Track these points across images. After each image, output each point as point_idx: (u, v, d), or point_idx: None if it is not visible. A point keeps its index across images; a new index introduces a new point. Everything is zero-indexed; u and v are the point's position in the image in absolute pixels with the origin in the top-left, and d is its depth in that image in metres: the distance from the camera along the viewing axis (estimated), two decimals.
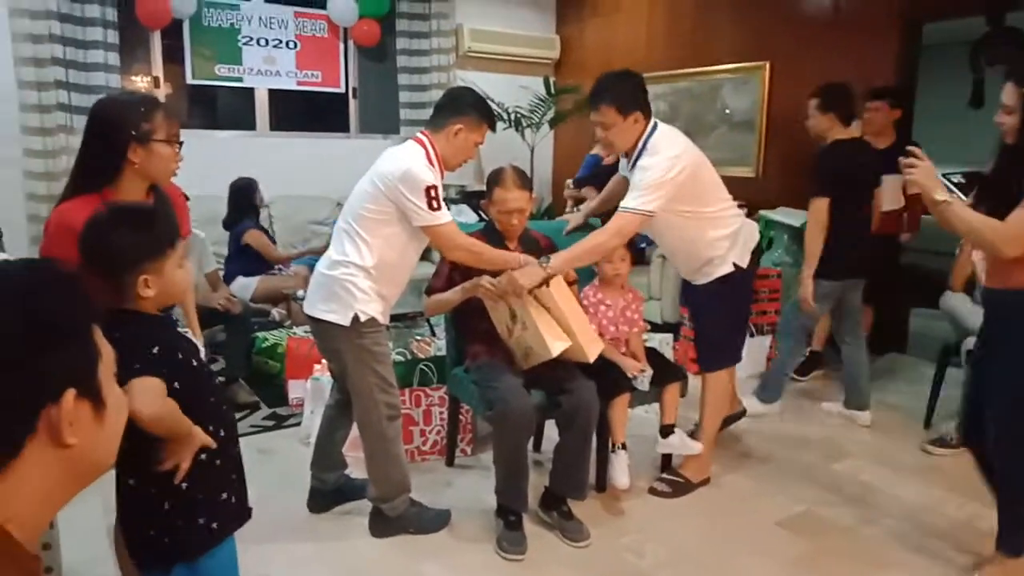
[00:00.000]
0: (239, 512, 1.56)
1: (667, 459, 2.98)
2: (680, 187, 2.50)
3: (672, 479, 2.86)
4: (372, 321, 2.32)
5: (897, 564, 2.39)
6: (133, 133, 1.77)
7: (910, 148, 2.08)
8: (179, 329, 1.56)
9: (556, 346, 2.42)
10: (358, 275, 2.29)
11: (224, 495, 1.52)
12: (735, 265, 2.71)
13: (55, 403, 0.67)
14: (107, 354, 0.75)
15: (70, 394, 0.67)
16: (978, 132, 7.41)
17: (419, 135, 2.36)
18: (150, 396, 1.33)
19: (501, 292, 2.43)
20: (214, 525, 1.48)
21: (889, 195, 3.97)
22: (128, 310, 1.44)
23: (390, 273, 2.35)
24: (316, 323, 2.39)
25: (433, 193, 2.22)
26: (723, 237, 2.69)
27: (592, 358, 2.48)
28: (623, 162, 2.78)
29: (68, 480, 0.71)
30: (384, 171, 2.27)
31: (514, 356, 2.60)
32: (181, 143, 1.90)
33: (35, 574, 0.70)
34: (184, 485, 1.42)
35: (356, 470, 2.74)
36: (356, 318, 2.29)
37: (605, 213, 3.84)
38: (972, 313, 3.30)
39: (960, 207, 2.03)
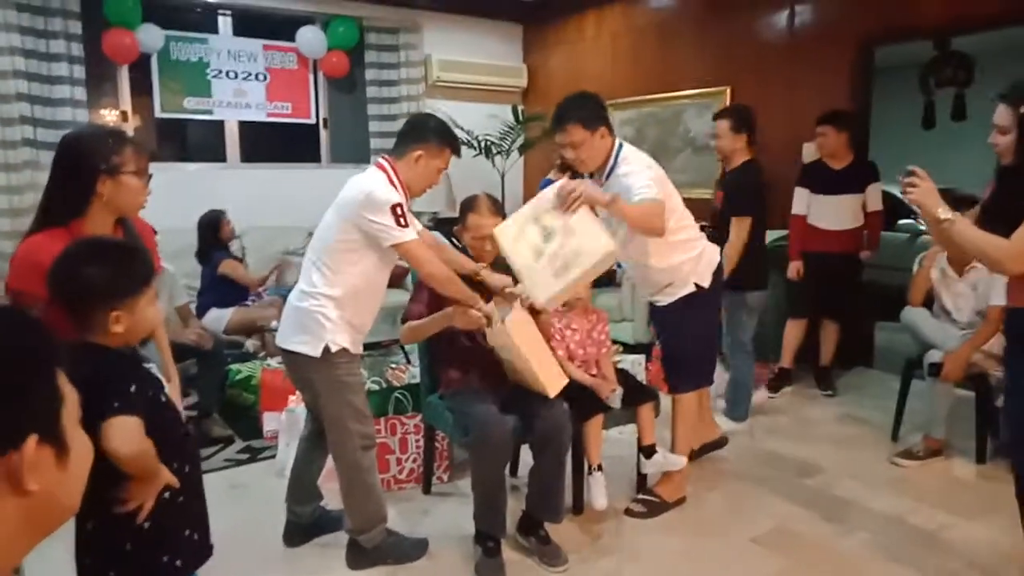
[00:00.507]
0: (202, 549, 1.55)
1: (643, 479, 3.01)
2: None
3: (647, 499, 2.86)
4: (344, 351, 2.32)
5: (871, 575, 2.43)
6: (103, 166, 1.77)
7: (911, 168, 2.03)
8: (144, 365, 1.54)
9: (553, 389, 2.48)
10: (327, 305, 2.29)
11: (187, 532, 1.50)
12: (696, 285, 2.73)
13: (16, 450, 0.64)
14: (71, 398, 0.73)
15: (31, 440, 0.65)
16: (934, 150, 7.70)
17: (380, 161, 2.37)
18: (129, 435, 1.32)
19: (477, 326, 2.45)
20: (178, 563, 1.46)
21: (850, 213, 4.09)
22: (95, 345, 1.41)
23: (359, 301, 2.35)
24: (288, 355, 2.39)
25: (400, 211, 2.20)
26: (685, 261, 2.72)
27: (552, 394, 2.49)
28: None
29: (31, 527, 0.69)
30: (346, 199, 2.28)
31: (490, 374, 2.62)
32: (150, 176, 1.90)
33: None
34: (146, 524, 1.41)
35: (332, 502, 2.73)
36: (327, 349, 2.29)
37: None
38: (932, 327, 3.40)
39: (964, 225, 1.97)
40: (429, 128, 2.37)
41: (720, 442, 3.36)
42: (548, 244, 2.37)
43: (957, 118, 5.08)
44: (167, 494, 1.43)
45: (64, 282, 1.41)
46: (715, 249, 2.87)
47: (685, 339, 2.82)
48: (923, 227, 6.05)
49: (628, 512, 2.83)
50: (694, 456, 3.11)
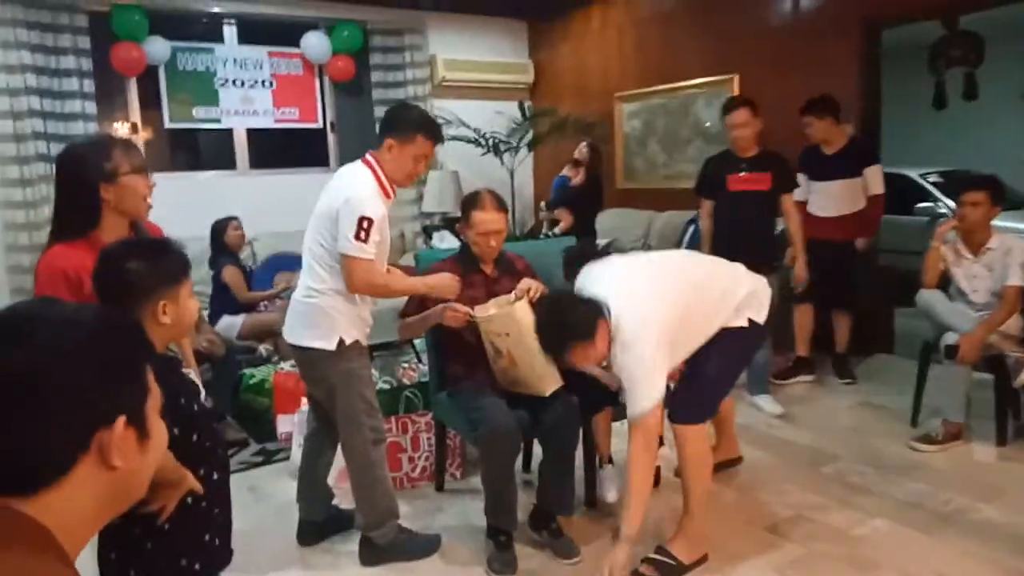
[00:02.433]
0: (222, 554, 1.56)
1: (656, 471, 2.99)
2: None
3: (661, 560, 2.36)
4: (356, 344, 2.37)
5: (888, 563, 2.39)
6: (100, 175, 1.80)
7: None
8: (182, 370, 1.56)
9: (550, 386, 2.46)
10: (337, 300, 2.33)
11: (207, 536, 1.52)
12: (749, 320, 2.40)
13: (108, 427, 0.74)
14: (155, 393, 0.83)
15: (121, 420, 0.75)
16: (946, 131, 7.59)
17: (367, 156, 2.40)
18: None
19: (460, 322, 2.48)
20: (196, 566, 1.47)
21: (846, 198, 4.04)
22: None
23: (364, 295, 2.39)
24: (301, 351, 2.42)
25: (366, 225, 2.21)
26: (726, 314, 2.38)
27: (547, 393, 2.46)
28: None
29: (108, 502, 0.77)
30: (333, 197, 2.30)
31: (496, 377, 2.61)
32: (148, 171, 1.94)
33: (71, 565, 0.73)
34: (167, 526, 1.42)
35: (344, 502, 2.75)
36: (342, 342, 2.33)
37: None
38: (947, 309, 3.35)
39: None
40: (396, 117, 2.39)
41: (737, 460, 3.15)
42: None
43: (969, 97, 5.00)
44: (190, 499, 1.44)
45: (110, 280, 1.46)
46: (764, 284, 2.51)
47: (718, 367, 2.41)
48: (943, 210, 5.96)
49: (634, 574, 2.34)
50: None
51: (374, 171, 2.34)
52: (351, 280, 2.28)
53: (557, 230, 5.27)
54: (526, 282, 2.58)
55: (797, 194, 4.06)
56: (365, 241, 2.22)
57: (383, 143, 2.35)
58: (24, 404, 0.70)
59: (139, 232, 1.94)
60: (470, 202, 2.65)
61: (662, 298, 2.22)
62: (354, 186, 2.28)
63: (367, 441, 2.40)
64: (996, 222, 3.33)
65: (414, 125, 2.35)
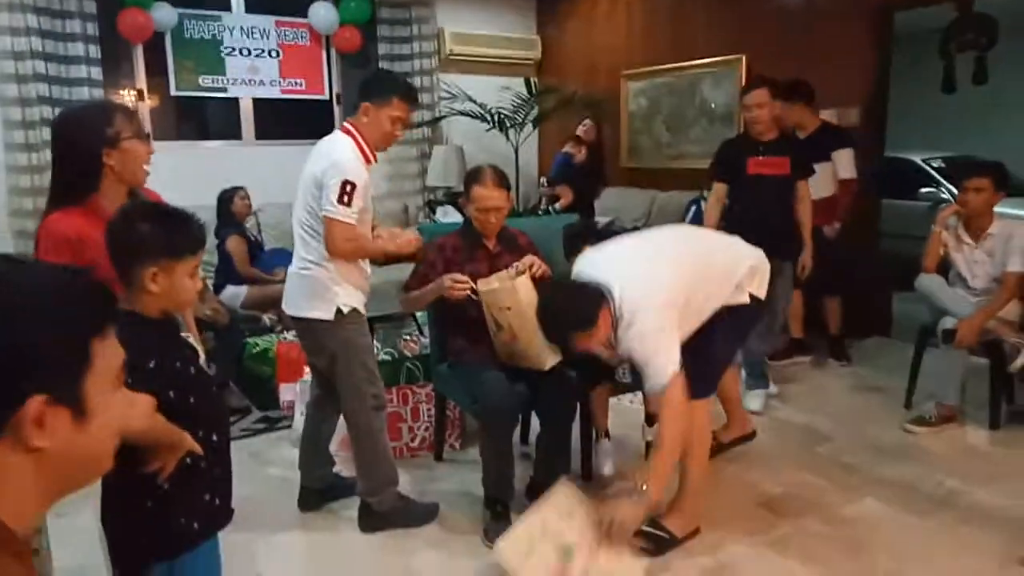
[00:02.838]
0: (222, 513, 1.59)
1: (650, 445, 3.04)
2: None
3: (655, 533, 2.40)
4: (355, 312, 2.41)
5: (877, 544, 2.44)
6: (103, 140, 1.80)
7: None
8: (182, 335, 1.58)
9: (550, 360, 2.48)
10: (332, 270, 2.37)
11: (207, 496, 1.54)
12: (751, 296, 2.42)
13: (20, 408, 0.67)
14: (107, 361, 0.76)
15: (34, 401, 0.68)
16: (953, 116, 7.53)
17: (345, 124, 2.43)
18: (135, 413, 1.36)
19: (462, 294, 2.51)
20: (195, 525, 1.50)
21: (818, 183, 3.91)
22: (131, 312, 1.45)
23: (357, 262, 2.44)
24: (302, 322, 2.46)
25: (348, 189, 2.25)
26: (729, 290, 2.39)
27: (547, 367, 2.49)
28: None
29: (50, 480, 0.72)
30: (317, 166, 2.33)
31: (496, 351, 2.64)
32: (148, 135, 1.95)
33: (24, 558, 0.72)
34: (166, 485, 1.45)
35: (346, 469, 2.80)
36: (340, 311, 2.37)
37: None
38: (946, 294, 3.36)
39: None
40: (369, 83, 2.45)
41: (751, 436, 3.11)
42: (568, 566, 2.03)
43: (979, 82, 4.95)
44: (189, 460, 1.47)
45: (118, 235, 1.47)
46: (763, 258, 2.49)
47: (721, 342, 2.44)
48: (944, 196, 5.95)
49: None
50: (722, 450, 3.00)
51: (353, 137, 2.37)
52: (331, 243, 2.30)
53: (557, 206, 5.28)
54: (528, 258, 2.60)
55: None
56: (348, 205, 2.25)
57: (358, 110, 2.39)
58: None
59: (137, 199, 1.93)
60: (472, 177, 2.66)
61: (663, 278, 2.21)
62: (335, 151, 2.31)
63: (368, 408, 2.45)
64: (998, 208, 3.34)
65: (390, 88, 2.39)
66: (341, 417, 2.61)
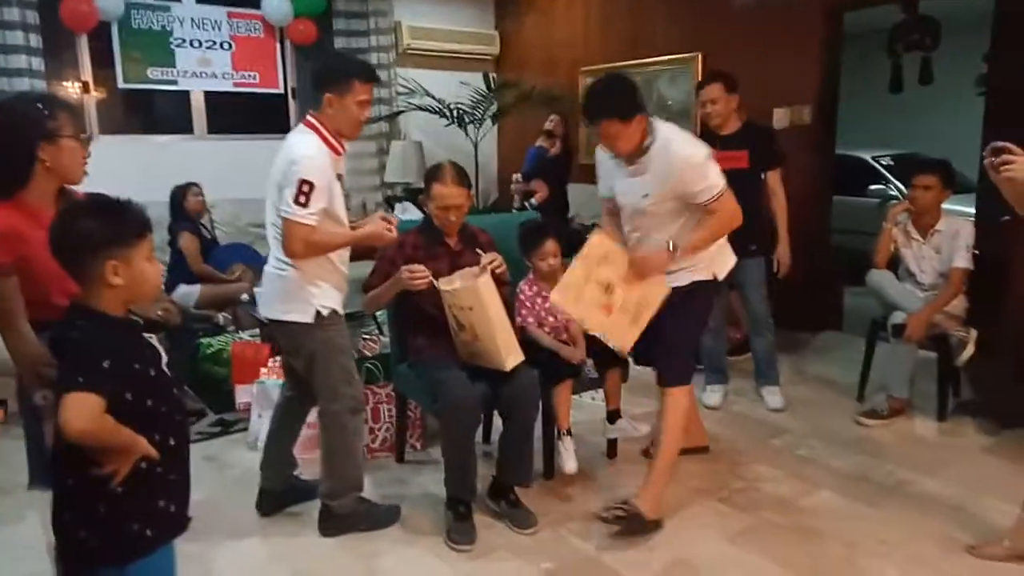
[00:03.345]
0: (177, 521, 1.55)
1: (613, 444, 3.06)
2: None
3: (626, 510, 2.47)
4: (334, 313, 2.37)
5: (832, 533, 2.50)
6: (40, 132, 1.75)
7: (1001, 144, 1.97)
8: (142, 335, 1.53)
9: (511, 360, 2.48)
10: (308, 272, 2.30)
11: (162, 503, 1.51)
12: (713, 275, 2.55)
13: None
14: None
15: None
16: (900, 114, 7.75)
17: (308, 118, 2.33)
18: (80, 413, 1.32)
19: (423, 284, 2.49)
20: (148, 532, 1.47)
21: None
22: (89, 309, 1.42)
23: (332, 261, 2.37)
24: (279, 325, 2.39)
25: (306, 189, 2.17)
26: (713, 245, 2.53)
27: (508, 367, 2.49)
28: (609, 164, 2.53)
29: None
30: (281, 165, 2.25)
31: (457, 349, 2.63)
32: (88, 139, 1.88)
33: None
34: (120, 490, 1.42)
35: (307, 473, 2.75)
36: (318, 313, 2.32)
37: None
38: (896, 289, 3.46)
39: None
40: (330, 70, 2.36)
41: (704, 449, 3.12)
42: (612, 297, 2.42)
43: (924, 82, 5.12)
44: (144, 464, 1.44)
45: (61, 236, 1.44)
46: (726, 244, 2.62)
47: (691, 325, 2.58)
48: (893, 192, 6.13)
49: (602, 519, 2.53)
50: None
51: (317, 131, 2.29)
52: (289, 244, 2.23)
53: (534, 201, 5.23)
54: (490, 255, 2.59)
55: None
56: (305, 205, 2.17)
57: (322, 101, 2.29)
58: None
59: (68, 198, 1.87)
60: (432, 175, 2.64)
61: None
62: (297, 149, 2.23)
63: (345, 410, 2.42)
64: (945, 205, 3.44)
65: (349, 73, 2.29)
66: (307, 418, 2.56)
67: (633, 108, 2.32)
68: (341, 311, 2.42)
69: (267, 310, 2.42)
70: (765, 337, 3.65)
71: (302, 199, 2.17)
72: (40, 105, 1.81)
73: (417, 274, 2.50)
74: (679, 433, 2.55)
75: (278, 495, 2.66)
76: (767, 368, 3.68)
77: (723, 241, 2.57)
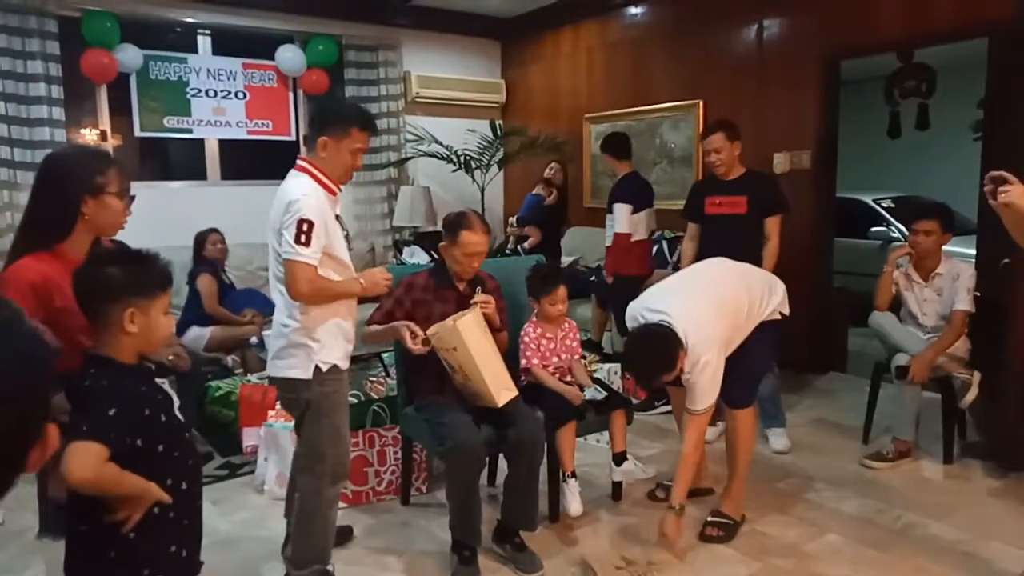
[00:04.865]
0: (188, 566, 1.57)
1: (618, 487, 3.06)
2: None
3: (720, 521, 2.79)
4: (335, 368, 2.29)
5: None
6: (87, 187, 1.78)
7: (1001, 173, 2.00)
8: (155, 380, 1.58)
9: (503, 396, 2.51)
10: (308, 326, 2.24)
11: (173, 548, 1.52)
12: (780, 314, 2.79)
13: (43, 440, 0.74)
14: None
15: (53, 428, 0.76)
16: (899, 159, 7.86)
17: (299, 162, 2.31)
18: (83, 462, 1.34)
19: (420, 351, 2.52)
20: None
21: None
22: (101, 357, 1.46)
23: (335, 311, 2.30)
24: (279, 380, 2.33)
25: (305, 228, 2.13)
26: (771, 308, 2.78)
27: (500, 403, 2.51)
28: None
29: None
30: (275, 210, 2.23)
31: (462, 392, 2.66)
32: (132, 197, 1.93)
33: None
34: (132, 535, 1.44)
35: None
36: (318, 369, 2.25)
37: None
38: (898, 331, 3.48)
39: None
40: (330, 114, 2.34)
41: (708, 492, 3.14)
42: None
43: (921, 127, 5.22)
44: (156, 509, 1.45)
45: (85, 281, 1.50)
46: (780, 283, 2.88)
47: (763, 357, 2.87)
48: (895, 235, 6.18)
49: (704, 538, 2.75)
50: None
51: (310, 173, 2.26)
52: (293, 286, 2.17)
53: (526, 245, 5.37)
54: (480, 296, 2.63)
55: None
56: (307, 245, 2.13)
57: (316, 144, 2.26)
58: None
59: (99, 246, 1.89)
60: (459, 222, 2.66)
61: (722, 318, 2.59)
62: (289, 192, 2.19)
63: (325, 473, 2.31)
64: (946, 247, 3.49)
65: (348, 120, 2.27)
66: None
67: (676, 356, 2.49)
68: (344, 365, 2.33)
69: (271, 367, 2.35)
70: (769, 379, 3.66)
71: (303, 238, 2.13)
72: (94, 160, 1.86)
73: (418, 340, 2.51)
74: (752, 447, 2.89)
75: None
76: (773, 410, 3.68)
77: (781, 286, 2.84)
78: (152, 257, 1.54)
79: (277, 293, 2.30)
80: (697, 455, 2.67)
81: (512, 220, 5.64)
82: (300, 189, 2.19)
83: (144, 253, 1.54)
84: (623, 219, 4.28)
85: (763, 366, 2.95)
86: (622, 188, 4.39)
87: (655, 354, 2.50)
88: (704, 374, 2.51)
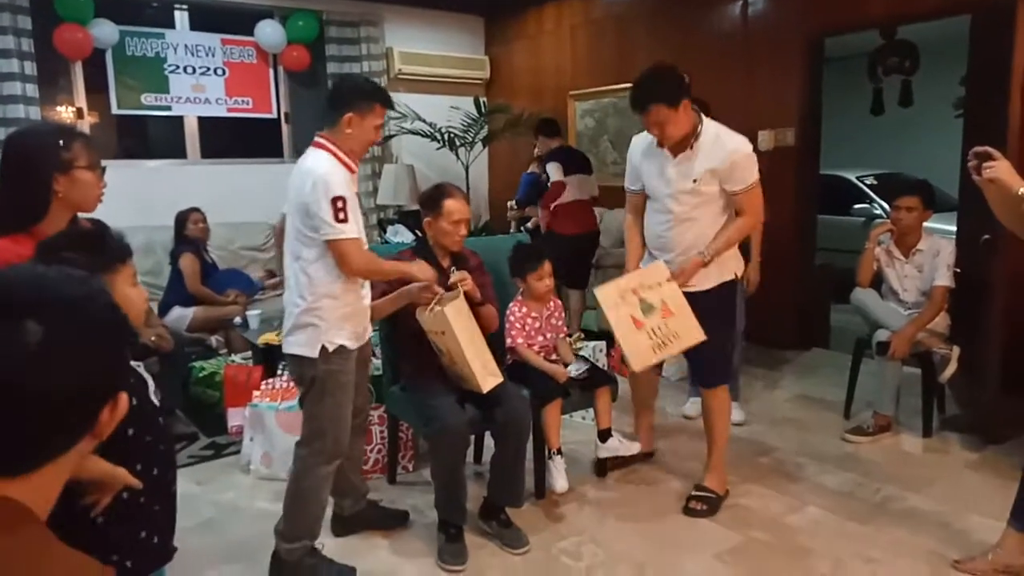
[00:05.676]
0: (160, 552, 1.53)
1: (602, 463, 3.09)
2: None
3: (703, 496, 2.79)
4: (341, 349, 2.28)
5: (819, 550, 2.53)
6: (55, 163, 1.73)
7: (985, 148, 2.00)
8: (131, 363, 1.54)
9: (488, 382, 2.50)
10: (319, 304, 2.24)
11: (143, 534, 1.49)
12: (734, 273, 2.76)
13: (113, 403, 0.73)
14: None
15: (123, 395, 0.75)
16: (882, 136, 7.89)
17: (318, 139, 2.30)
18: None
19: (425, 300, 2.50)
20: (128, 563, 1.45)
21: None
22: None
23: (348, 291, 2.29)
24: (290, 358, 2.35)
25: (340, 204, 2.15)
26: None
27: (485, 390, 2.50)
28: (640, 157, 2.75)
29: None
30: (297, 189, 2.23)
31: (447, 373, 2.66)
32: (103, 169, 1.89)
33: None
34: (100, 519, 1.41)
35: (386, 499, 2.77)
36: (324, 349, 2.25)
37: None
38: (880, 307, 3.52)
39: None
40: (351, 89, 2.35)
41: (649, 455, 3.24)
42: (647, 317, 2.59)
43: (904, 104, 5.23)
44: (125, 495, 1.42)
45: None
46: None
47: (724, 325, 2.76)
48: (878, 211, 6.23)
49: (688, 512, 2.76)
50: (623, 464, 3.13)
51: (330, 151, 2.26)
52: (348, 264, 2.20)
53: (528, 226, 5.31)
54: (458, 274, 2.60)
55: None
56: (346, 221, 2.16)
57: (340, 119, 2.26)
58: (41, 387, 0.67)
59: (75, 224, 1.86)
60: (439, 193, 2.65)
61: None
62: (319, 169, 2.19)
63: (323, 450, 2.32)
64: (927, 224, 3.51)
65: (371, 95, 2.31)
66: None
67: (680, 94, 2.47)
68: (352, 346, 2.31)
69: (285, 344, 2.36)
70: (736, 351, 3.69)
71: (341, 215, 2.15)
72: (57, 135, 1.80)
73: (425, 267, 2.49)
74: (727, 427, 2.89)
75: (347, 520, 2.66)
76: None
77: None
78: (102, 232, 1.50)
79: (293, 270, 2.28)
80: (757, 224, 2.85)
81: (511, 204, 5.57)
82: (327, 167, 2.21)
83: (93, 230, 1.50)
84: (555, 172, 4.76)
85: (726, 339, 2.82)
86: (552, 153, 4.90)
87: (660, 77, 2.50)
88: (738, 156, 2.54)
